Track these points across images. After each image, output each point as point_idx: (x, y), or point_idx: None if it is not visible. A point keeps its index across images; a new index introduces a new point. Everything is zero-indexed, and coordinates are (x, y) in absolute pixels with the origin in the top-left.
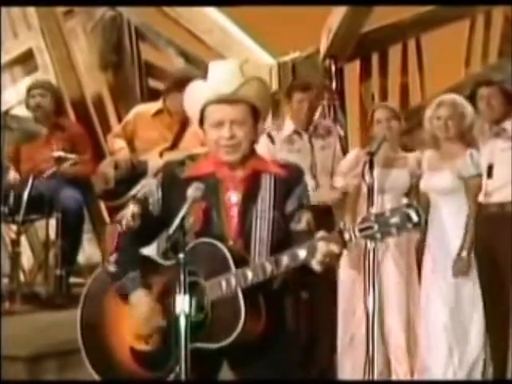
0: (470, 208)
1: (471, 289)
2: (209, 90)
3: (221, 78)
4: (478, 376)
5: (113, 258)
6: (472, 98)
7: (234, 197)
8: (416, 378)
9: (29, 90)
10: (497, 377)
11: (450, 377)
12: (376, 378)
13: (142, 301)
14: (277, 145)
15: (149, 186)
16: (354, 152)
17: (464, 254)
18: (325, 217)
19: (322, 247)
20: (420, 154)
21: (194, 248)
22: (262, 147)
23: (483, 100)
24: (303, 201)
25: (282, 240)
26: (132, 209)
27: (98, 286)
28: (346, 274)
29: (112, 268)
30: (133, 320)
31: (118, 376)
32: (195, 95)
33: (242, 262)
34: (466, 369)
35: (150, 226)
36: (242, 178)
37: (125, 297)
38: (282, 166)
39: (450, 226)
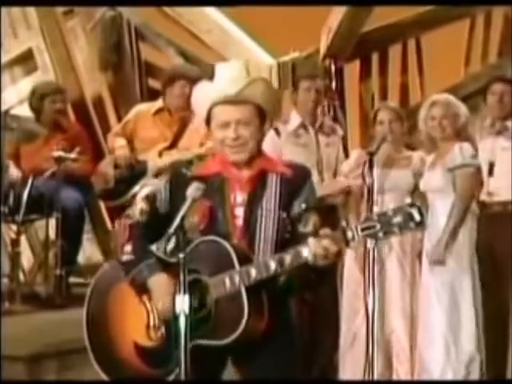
0: (456, 198)
1: (465, 284)
2: (215, 90)
3: (226, 78)
4: (475, 374)
5: (126, 248)
6: (483, 93)
7: (239, 196)
8: (416, 377)
9: (47, 93)
10: (497, 377)
11: (448, 377)
12: (376, 378)
13: (164, 282)
14: (282, 138)
15: (157, 184)
16: (355, 153)
17: (442, 242)
18: (330, 216)
19: (322, 245)
20: (424, 154)
21: (198, 245)
22: (268, 140)
23: (495, 95)
24: (310, 202)
25: (288, 240)
26: (140, 205)
27: (103, 284)
28: (351, 274)
29: (126, 257)
30: (151, 305)
31: (122, 373)
32: (202, 96)
33: (245, 259)
34: (463, 368)
35: (157, 223)
36: (248, 177)
37: (140, 286)
38: (289, 166)
39: (443, 224)
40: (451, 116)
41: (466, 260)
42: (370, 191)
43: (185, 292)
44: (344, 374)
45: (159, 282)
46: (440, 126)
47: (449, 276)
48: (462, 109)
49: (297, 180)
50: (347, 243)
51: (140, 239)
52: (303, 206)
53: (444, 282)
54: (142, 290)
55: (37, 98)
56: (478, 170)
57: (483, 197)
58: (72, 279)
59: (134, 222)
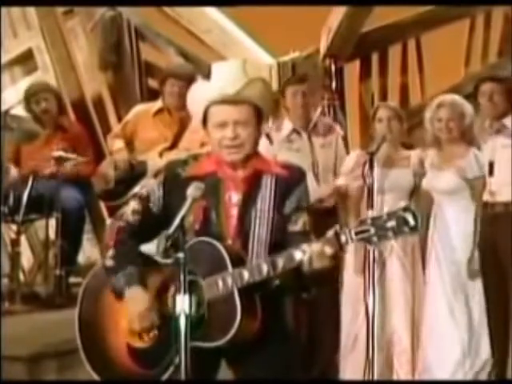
0: (476, 209)
1: (479, 288)
2: (212, 90)
3: (224, 78)
4: (484, 376)
5: (110, 252)
6: (475, 94)
7: (234, 196)
8: (417, 377)
9: (31, 95)
10: (497, 377)
11: (458, 377)
12: (376, 378)
13: (137, 297)
14: (275, 145)
15: (151, 184)
16: (353, 154)
17: (475, 256)
18: (327, 218)
19: (316, 249)
20: (422, 153)
21: (192, 246)
22: (261, 148)
23: (485, 95)
24: (302, 202)
25: (280, 241)
26: (133, 205)
27: (96, 283)
28: (351, 275)
29: (109, 263)
30: (128, 316)
31: (114, 374)
32: (199, 95)
33: (239, 261)
34: (476, 370)
35: (149, 223)
36: (243, 177)
37: (119, 293)
38: (284, 167)
39: (453, 225)
40: (457, 117)
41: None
42: (371, 191)
43: (185, 292)
44: (345, 374)
45: (134, 298)
46: (447, 128)
47: (460, 279)
48: (468, 109)
49: (291, 180)
50: (341, 247)
51: (126, 244)
52: (294, 204)
53: (455, 285)
54: (121, 298)
55: (24, 101)
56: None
57: (485, 197)
58: (72, 279)
59: (123, 224)
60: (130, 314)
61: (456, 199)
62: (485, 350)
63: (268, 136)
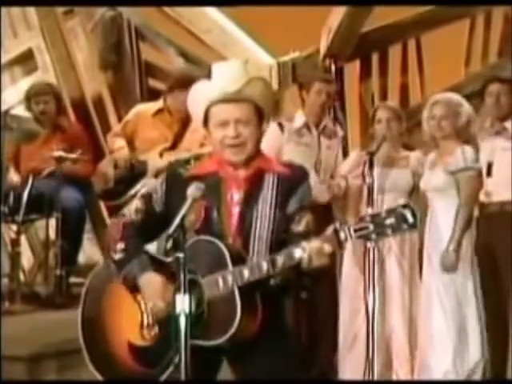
0: (459, 203)
1: (469, 287)
2: (213, 89)
3: (225, 77)
4: (478, 375)
5: (119, 246)
6: (481, 94)
7: (236, 195)
8: (416, 377)
9: (32, 95)
10: (497, 377)
11: (451, 377)
12: (376, 378)
13: (152, 280)
14: (285, 134)
15: (154, 183)
16: (353, 154)
17: (451, 248)
18: (326, 216)
19: (315, 246)
20: (421, 155)
21: (193, 245)
22: (270, 135)
23: (492, 96)
24: (305, 202)
25: (282, 240)
26: (136, 204)
27: (98, 283)
28: (349, 274)
29: (118, 256)
30: (146, 301)
31: (116, 372)
32: (200, 95)
33: (239, 259)
34: (467, 370)
35: (152, 222)
36: (245, 176)
37: (132, 285)
38: (287, 166)
39: (443, 224)
40: (451, 116)
41: (468, 262)
42: (370, 191)
43: (185, 292)
44: (344, 374)
45: (149, 281)
46: (439, 126)
47: (452, 277)
48: (465, 108)
49: (294, 180)
50: (340, 244)
51: (133, 238)
52: (298, 204)
53: (446, 283)
54: (133, 288)
55: (25, 101)
56: (480, 173)
57: (481, 197)
58: (72, 279)
59: (128, 220)
60: (147, 297)
61: (446, 197)
62: (474, 350)
63: (280, 124)
